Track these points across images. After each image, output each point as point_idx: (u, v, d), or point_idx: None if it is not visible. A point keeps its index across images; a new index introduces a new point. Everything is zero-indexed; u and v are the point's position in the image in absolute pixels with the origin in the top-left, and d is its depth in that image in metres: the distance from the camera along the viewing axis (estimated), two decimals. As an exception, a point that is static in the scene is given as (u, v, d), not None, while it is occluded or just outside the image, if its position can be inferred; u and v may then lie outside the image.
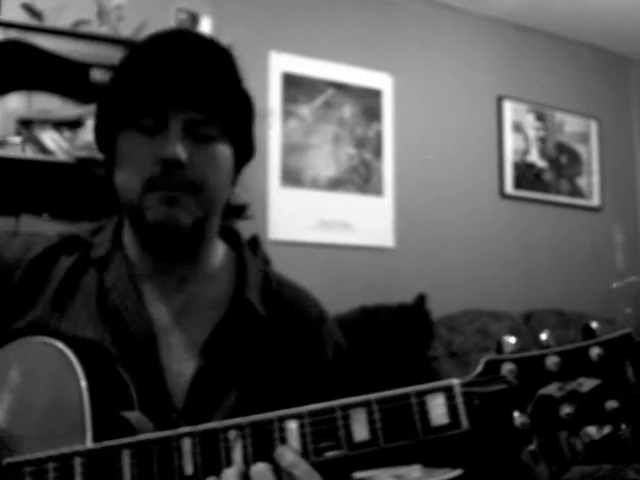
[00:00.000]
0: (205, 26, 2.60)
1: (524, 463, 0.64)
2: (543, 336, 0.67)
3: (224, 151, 0.88)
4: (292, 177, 3.16)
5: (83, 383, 0.75)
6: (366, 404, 0.66)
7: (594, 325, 0.66)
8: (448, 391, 0.66)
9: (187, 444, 0.68)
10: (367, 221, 3.32)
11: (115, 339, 0.86)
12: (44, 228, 1.03)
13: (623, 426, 0.63)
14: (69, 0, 2.52)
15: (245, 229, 1.06)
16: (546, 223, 3.87)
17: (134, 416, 0.75)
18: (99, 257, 0.92)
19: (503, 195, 3.77)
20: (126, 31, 2.51)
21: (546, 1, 3.66)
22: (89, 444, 0.72)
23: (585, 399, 0.64)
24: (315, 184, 3.21)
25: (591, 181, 4.09)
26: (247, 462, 0.67)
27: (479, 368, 0.66)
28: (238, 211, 1.03)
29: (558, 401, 0.64)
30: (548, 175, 3.94)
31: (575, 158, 4.05)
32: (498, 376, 0.66)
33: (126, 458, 0.69)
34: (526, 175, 3.85)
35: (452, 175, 3.59)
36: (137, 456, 0.69)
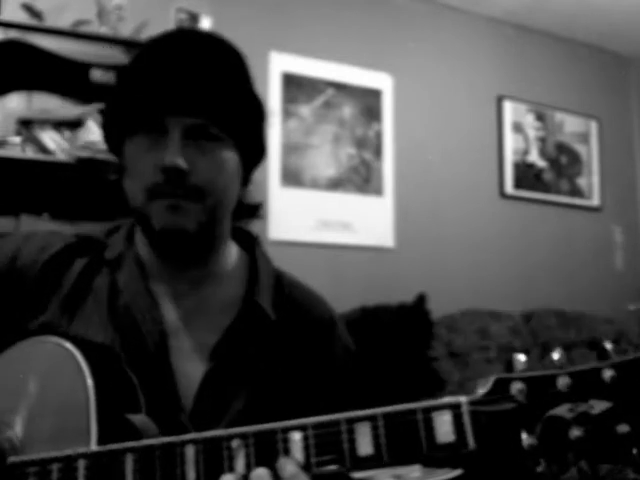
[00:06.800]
0: (205, 26, 2.59)
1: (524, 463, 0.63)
2: (555, 355, 0.65)
3: (228, 154, 0.87)
4: (292, 177, 3.16)
5: (90, 384, 0.75)
6: (371, 418, 0.65)
7: (608, 346, 0.65)
8: (455, 408, 0.64)
9: (190, 451, 0.68)
10: (367, 221, 3.32)
11: (125, 340, 0.85)
12: (44, 228, 1.03)
13: (634, 450, 0.62)
14: (69, 0, 2.52)
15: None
16: (546, 223, 3.87)
17: (139, 419, 0.75)
18: (113, 258, 0.92)
19: (503, 195, 3.77)
20: (126, 31, 2.51)
21: (546, 1, 3.66)
22: (93, 446, 0.72)
23: (596, 422, 0.62)
24: (315, 184, 3.21)
25: (591, 181, 4.09)
26: (249, 472, 0.66)
27: (488, 386, 0.65)
28: (252, 210, 1.03)
29: (568, 423, 0.63)
30: (548, 175, 3.94)
31: (575, 158, 4.05)
32: (507, 395, 0.64)
33: (129, 462, 0.69)
34: (526, 175, 3.85)
35: (452, 175, 3.59)
36: (140, 461, 0.68)
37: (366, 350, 2.69)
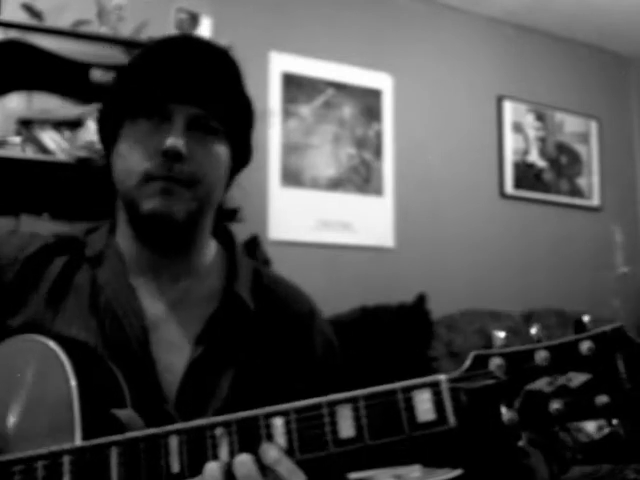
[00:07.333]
0: (205, 26, 2.59)
1: (523, 463, 0.64)
2: (533, 330, 0.66)
3: (222, 150, 0.90)
4: (292, 177, 3.16)
5: (73, 382, 0.75)
6: (352, 400, 0.66)
7: (585, 319, 0.66)
8: (435, 387, 0.65)
9: (174, 442, 0.68)
10: (367, 221, 3.32)
11: (107, 336, 0.86)
12: (44, 228, 1.03)
13: (614, 421, 0.62)
14: (69, 0, 2.52)
15: (245, 229, 1.07)
16: (546, 223, 3.86)
17: (124, 414, 0.76)
18: (93, 255, 0.94)
19: (503, 195, 3.77)
20: (126, 31, 2.51)
21: (546, 1, 3.66)
22: (78, 442, 0.72)
23: (575, 394, 0.63)
24: (315, 184, 3.21)
25: (591, 181, 4.08)
26: (233, 459, 0.66)
27: (467, 363, 0.66)
28: (231, 214, 1.05)
29: (547, 396, 0.63)
30: (548, 175, 3.94)
31: (575, 158, 4.05)
32: (486, 371, 0.65)
33: (114, 456, 0.69)
34: (526, 175, 3.85)
35: (452, 175, 3.59)
36: (125, 454, 0.69)
37: (366, 350, 2.70)
